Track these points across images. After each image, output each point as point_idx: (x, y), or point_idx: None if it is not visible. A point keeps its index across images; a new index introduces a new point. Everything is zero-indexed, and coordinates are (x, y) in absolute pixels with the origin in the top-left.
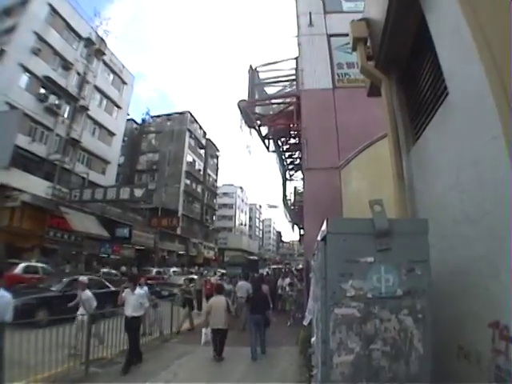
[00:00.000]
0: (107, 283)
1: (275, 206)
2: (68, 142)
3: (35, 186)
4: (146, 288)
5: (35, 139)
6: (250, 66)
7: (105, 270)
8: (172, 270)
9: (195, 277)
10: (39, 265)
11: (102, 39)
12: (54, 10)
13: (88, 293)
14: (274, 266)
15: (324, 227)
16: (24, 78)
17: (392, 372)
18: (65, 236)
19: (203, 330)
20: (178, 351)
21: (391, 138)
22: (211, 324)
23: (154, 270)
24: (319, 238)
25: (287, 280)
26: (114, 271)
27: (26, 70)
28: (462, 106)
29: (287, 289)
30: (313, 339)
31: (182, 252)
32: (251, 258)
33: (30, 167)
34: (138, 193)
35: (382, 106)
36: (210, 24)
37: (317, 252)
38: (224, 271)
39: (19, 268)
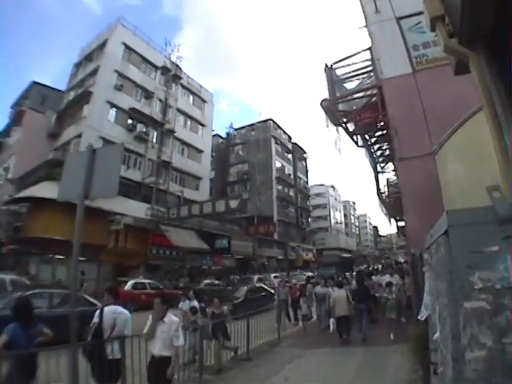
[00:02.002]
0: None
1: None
2: (160, 164)
3: (135, 209)
4: (195, 303)
5: (130, 166)
6: (326, 65)
7: (207, 281)
8: (273, 275)
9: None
10: (146, 281)
11: (177, 65)
12: (128, 48)
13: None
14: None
15: (443, 220)
16: (112, 113)
17: None
18: (167, 252)
19: (331, 320)
20: (287, 355)
21: (489, 114)
22: (336, 313)
23: (256, 277)
24: (440, 232)
25: (385, 277)
26: (216, 281)
27: (113, 105)
28: None
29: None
30: (435, 335)
31: (280, 257)
32: (345, 255)
33: (129, 192)
34: (233, 204)
35: (472, 82)
36: (276, 30)
37: (434, 246)
38: (310, 274)
39: (128, 285)
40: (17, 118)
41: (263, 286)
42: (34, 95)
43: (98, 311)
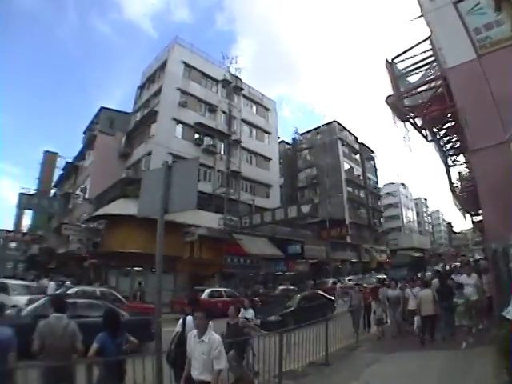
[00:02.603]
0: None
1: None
2: (229, 174)
3: (208, 220)
4: (250, 312)
5: (200, 179)
6: (386, 60)
7: (282, 286)
8: (347, 278)
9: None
10: (222, 289)
11: (237, 77)
12: (188, 65)
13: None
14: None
15: None
16: (179, 129)
17: None
18: (241, 260)
19: (416, 318)
20: (366, 360)
21: None
22: (422, 312)
23: (330, 281)
24: None
25: (462, 277)
26: (291, 287)
27: (179, 121)
28: None
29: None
30: None
31: (354, 260)
32: (416, 255)
33: (201, 204)
34: (305, 209)
35: None
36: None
37: None
38: (381, 276)
39: (205, 294)
40: (89, 142)
41: (321, 292)
42: (103, 119)
43: (180, 320)
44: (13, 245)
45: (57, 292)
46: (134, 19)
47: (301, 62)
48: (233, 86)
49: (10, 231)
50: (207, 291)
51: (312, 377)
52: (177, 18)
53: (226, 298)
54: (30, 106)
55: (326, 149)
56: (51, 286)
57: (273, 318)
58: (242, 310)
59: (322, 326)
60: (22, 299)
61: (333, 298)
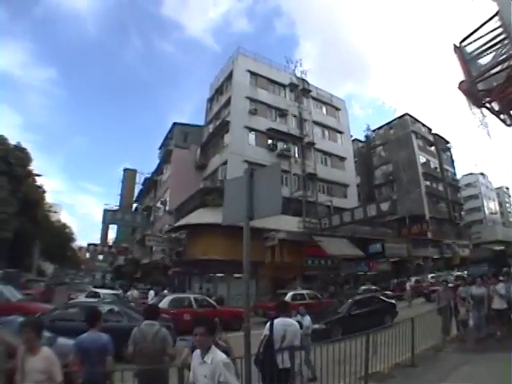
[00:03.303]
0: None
1: None
2: (305, 177)
3: (288, 224)
4: (307, 318)
5: None
6: (454, 45)
7: (364, 287)
8: (430, 276)
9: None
10: (304, 291)
11: (303, 79)
12: (253, 73)
13: None
14: None
15: None
16: (252, 137)
17: None
18: (322, 262)
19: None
20: (453, 361)
21: None
22: None
23: (413, 279)
24: None
25: None
26: (373, 287)
27: (251, 129)
28: None
29: None
30: None
31: (436, 256)
32: (498, 248)
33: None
34: (384, 206)
35: None
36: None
37: None
38: (459, 273)
39: (288, 296)
40: (166, 157)
41: (378, 296)
42: (177, 134)
43: (268, 323)
44: (100, 257)
45: (153, 299)
46: (195, 36)
47: (366, 57)
48: (300, 89)
49: (97, 245)
50: (290, 294)
51: (398, 379)
52: (236, 29)
53: (308, 301)
54: (107, 129)
55: (400, 143)
56: (151, 295)
57: (316, 326)
58: (299, 316)
59: (408, 325)
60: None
61: (393, 301)
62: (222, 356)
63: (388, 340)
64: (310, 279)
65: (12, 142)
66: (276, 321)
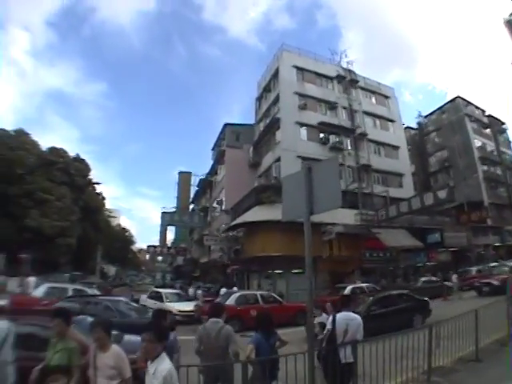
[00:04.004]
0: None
1: None
2: (360, 169)
3: (344, 217)
4: (357, 318)
5: None
6: (504, 19)
7: (424, 278)
8: (491, 265)
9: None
10: (364, 285)
11: (349, 70)
12: (299, 69)
13: None
14: None
15: None
16: (303, 132)
17: None
18: (380, 254)
19: None
20: None
21: None
22: None
23: (474, 269)
24: None
25: None
26: (433, 278)
27: (302, 124)
28: None
29: None
30: None
31: (497, 244)
32: None
33: None
34: (442, 194)
35: None
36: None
37: None
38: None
39: (347, 290)
40: (219, 158)
41: (406, 292)
42: (229, 134)
43: (330, 318)
44: (160, 258)
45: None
46: (239, 37)
47: (412, 41)
48: (348, 80)
49: (156, 246)
50: (349, 288)
51: (462, 374)
52: (279, 26)
53: (368, 294)
54: (160, 134)
55: (454, 128)
56: (222, 291)
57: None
58: (324, 314)
59: (472, 317)
60: (174, 305)
61: (426, 298)
62: (164, 366)
63: (451, 333)
64: (369, 272)
65: (71, 154)
66: (338, 315)
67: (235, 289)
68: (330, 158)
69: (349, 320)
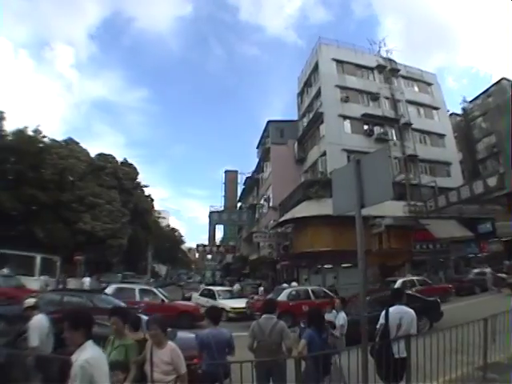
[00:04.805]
0: None
1: None
2: (406, 159)
3: (392, 209)
4: (343, 315)
5: None
6: None
7: (476, 270)
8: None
9: None
10: (414, 278)
11: (389, 59)
12: (339, 61)
13: None
14: None
15: None
16: (347, 124)
17: None
18: (430, 246)
19: None
20: None
21: None
22: None
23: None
24: None
25: None
26: (487, 269)
27: (345, 117)
28: None
29: None
30: None
31: None
32: None
33: None
34: (492, 181)
35: None
36: None
37: None
38: None
39: (397, 284)
40: (265, 155)
41: (412, 293)
42: (273, 131)
43: (383, 312)
44: (209, 256)
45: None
46: (277, 34)
47: (453, 23)
48: (388, 70)
49: (205, 245)
50: (399, 281)
51: None
52: (315, 20)
53: (419, 287)
54: (204, 135)
55: (501, 111)
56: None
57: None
58: (334, 311)
59: None
60: (227, 303)
61: (435, 298)
62: (84, 356)
63: (507, 327)
64: (419, 265)
65: (119, 159)
66: (391, 309)
67: (285, 285)
68: (379, 150)
69: (402, 314)
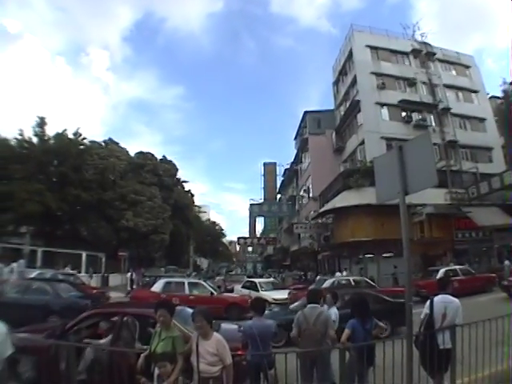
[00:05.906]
0: None
1: None
2: (446, 146)
3: (433, 197)
4: (334, 311)
5: None
6: None
7: None
8: None
9: None
10: (457, 267)
11: (425, 42)
12: (373, 47)
13: None
14: None
15: None
16: (384, 112)
17: None
18: (472, 234)
19: None
20: None
21: None
22: None
23: None
24: None
25: None
26: None
27: (383, 104)
28: None
29: None
30: None
31: None
32: None
33: None
34: None
35: None
36: None
37: None
38: None
39: (440, 273)
40: (303, 146)
41: (375, 293)
42: (310, 122)
43: (428, 302)
44: (250, 249)
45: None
46: (310, 24)
47: (491, 2)
48: (424, 54)
49: (246, 238)
50: (442, 271)
51: None
52: (348, 7)
53: (461, 277)
54: (241, 129)
55: None
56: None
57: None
58: (325, 306)
59: None
60: (269, 294)
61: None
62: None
63: None
64: (461, 254)
65: (158, 156)
66: (436, 298)
67: (338, 274)
68: (422, 135)
69: (447, 303)
